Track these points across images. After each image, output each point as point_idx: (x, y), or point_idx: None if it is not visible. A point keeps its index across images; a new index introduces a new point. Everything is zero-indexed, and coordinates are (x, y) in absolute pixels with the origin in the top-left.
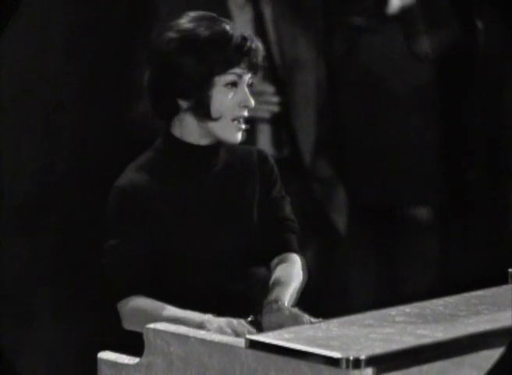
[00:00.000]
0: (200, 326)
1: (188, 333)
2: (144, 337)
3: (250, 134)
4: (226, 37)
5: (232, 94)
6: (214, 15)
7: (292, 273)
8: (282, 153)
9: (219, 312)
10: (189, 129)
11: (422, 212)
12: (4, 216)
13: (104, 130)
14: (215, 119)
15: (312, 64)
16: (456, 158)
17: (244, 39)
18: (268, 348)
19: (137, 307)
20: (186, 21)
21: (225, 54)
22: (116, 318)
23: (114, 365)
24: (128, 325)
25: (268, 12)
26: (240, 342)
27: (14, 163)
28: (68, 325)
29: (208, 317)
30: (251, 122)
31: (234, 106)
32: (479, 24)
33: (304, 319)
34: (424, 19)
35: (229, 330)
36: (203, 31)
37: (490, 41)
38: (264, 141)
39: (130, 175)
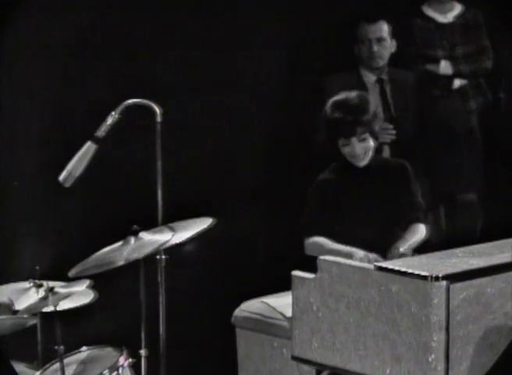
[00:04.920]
0: (350, 254)
1: (341, 261)
2: (317, 262)
3: (379, 151)
4: (336, 121)
5: (346, 149)
6: (344, 101)
7: (413, 234)
8: None
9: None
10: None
11: (472, 196)
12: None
13: (293, 150)
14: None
15: (411, 115)
16: (493, 164)
17: (348, 123)
18: (387, 270)
19: (316, 241)
20: (330, 106)
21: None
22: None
23: (300, 278)
24: (308, 251)
25: (388, 88)
26: (371, 266)
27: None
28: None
29: (356, 250)
30: (380, 144)
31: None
32: (502, 95)
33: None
34: (472, 90)
35: (366, 260)
36: (329, 117)
37: (507, 103)
38: (386, 155)
39: (324, 174)
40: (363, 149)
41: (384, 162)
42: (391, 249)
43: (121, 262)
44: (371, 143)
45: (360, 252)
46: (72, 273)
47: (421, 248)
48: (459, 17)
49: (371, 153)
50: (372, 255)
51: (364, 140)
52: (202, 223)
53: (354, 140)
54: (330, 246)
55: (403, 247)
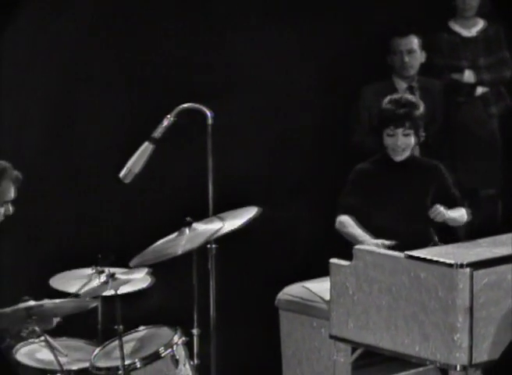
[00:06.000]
0: (361, 241)
1: (374, 250)
2: (353, 252)
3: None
4: (390, 111)
5: (390, 139)
6: (401, 98)
7: (454, 211)
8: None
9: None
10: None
11: (493, 191)
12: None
13: (334, 148)
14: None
15: (438, 118)
16: None
17: (400, 114)
18: (415, 257)
19: (342, 220)
20: (387, 101)
21: (384, 120)
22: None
23: (338, 265)
24: (336, 227)
25: (417, 94)
26: (401, 255)
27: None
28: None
29: (368, 238)
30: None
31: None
32: None
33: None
34: (493, 97)
35: (381, 246)
36: (384, 107)
37: None
38: (416, 154)
39: (363, 164)
40: (404, 144)
41: (419, 162)
42: (433, 208)
43: (177, 253)
44: (412, 141)
45: (372, 241)
46: (133, 263)
47: (448, 239)
48: (482, 32)
49: (409, 150)
50: (388, 242)
51: (407, 135)
52: (249, 213)
53: (400, 132)
54: (348, 228)
55: (445, 211)
